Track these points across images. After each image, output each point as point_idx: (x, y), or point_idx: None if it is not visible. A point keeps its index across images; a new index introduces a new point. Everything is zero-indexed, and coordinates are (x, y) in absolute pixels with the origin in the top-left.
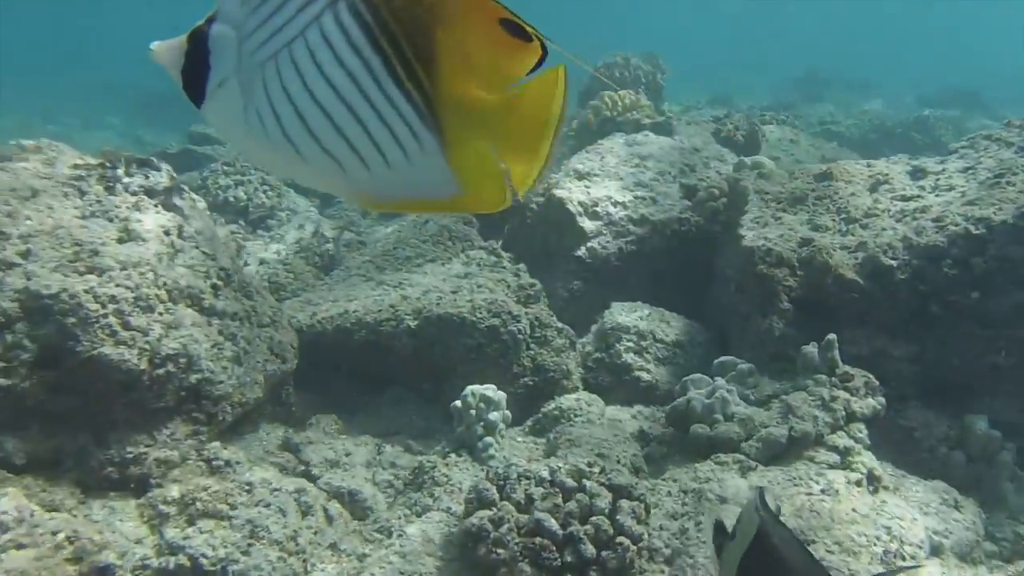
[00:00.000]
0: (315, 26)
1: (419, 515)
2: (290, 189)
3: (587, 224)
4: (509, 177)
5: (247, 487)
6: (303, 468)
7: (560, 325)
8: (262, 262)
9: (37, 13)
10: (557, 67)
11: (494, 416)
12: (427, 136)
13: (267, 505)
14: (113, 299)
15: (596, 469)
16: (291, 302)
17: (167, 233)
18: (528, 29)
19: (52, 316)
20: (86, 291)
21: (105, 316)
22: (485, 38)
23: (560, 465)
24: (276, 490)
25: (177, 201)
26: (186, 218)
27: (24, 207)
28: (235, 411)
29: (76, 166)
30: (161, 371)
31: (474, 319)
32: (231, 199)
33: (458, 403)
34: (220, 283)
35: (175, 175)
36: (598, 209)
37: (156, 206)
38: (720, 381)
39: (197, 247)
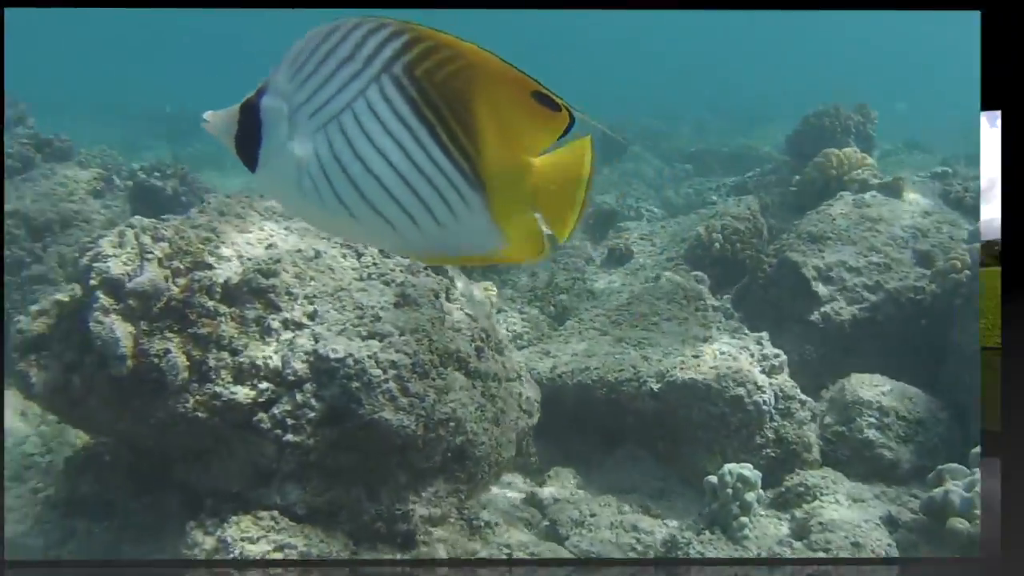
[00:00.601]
0: (361, 100)
1: None
2: None
3: (821, 289)
4: (547, 230)
5: (507, 550)
6: (547, 524)
7: (803, 397)
8: (499, 311)
9: None
10: (586, 137)
11: (750, 497)
12: (473, 197)
13: None
14: (394, 364)
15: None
16: (529, 352)
17: (436, 296)
18: (557, 100)
19: (337, 379)
20: (369, 356)
21: (386, 381)
22: (520, 109)
23: None
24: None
25: None
26: (451, 280)
27: (309, 268)
28: (491, 470)
29: None
30: (433, 435)
31: (719, 387)
32: None
33: (714, 479)
34: (482, 344)
35: None
36: (832, 274)
37: (425, 269)
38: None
39: (462, 308)
